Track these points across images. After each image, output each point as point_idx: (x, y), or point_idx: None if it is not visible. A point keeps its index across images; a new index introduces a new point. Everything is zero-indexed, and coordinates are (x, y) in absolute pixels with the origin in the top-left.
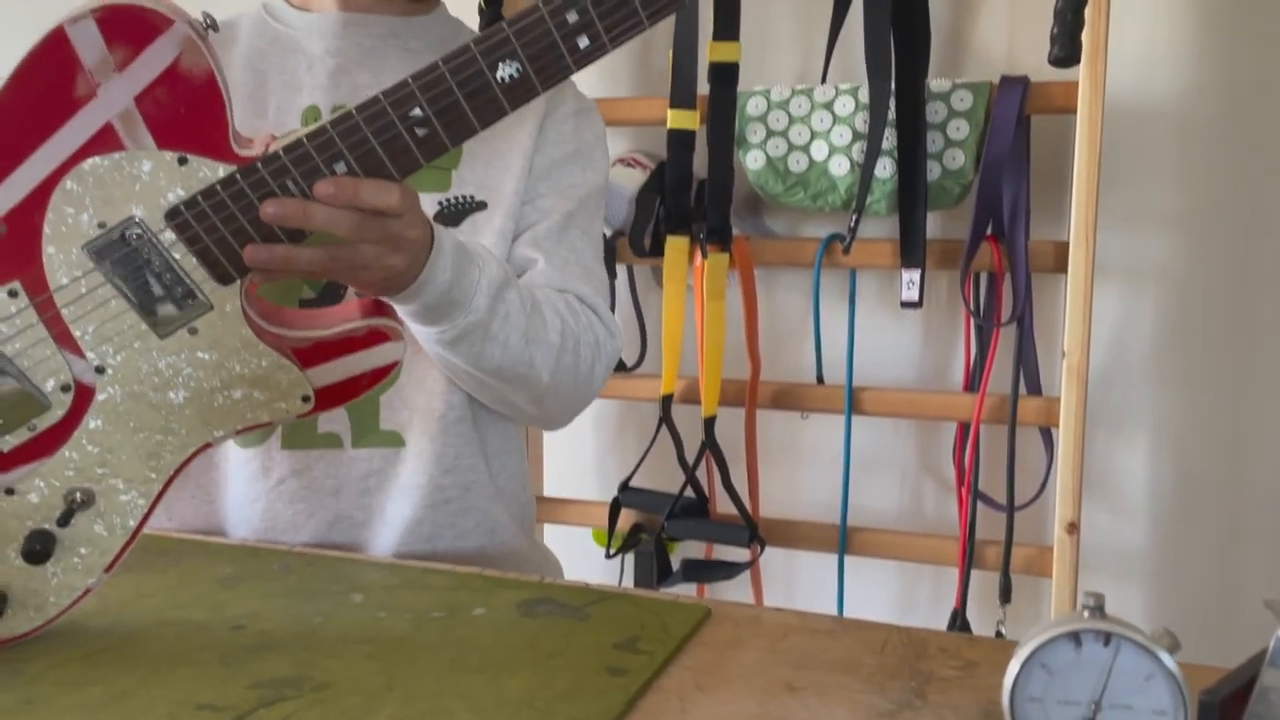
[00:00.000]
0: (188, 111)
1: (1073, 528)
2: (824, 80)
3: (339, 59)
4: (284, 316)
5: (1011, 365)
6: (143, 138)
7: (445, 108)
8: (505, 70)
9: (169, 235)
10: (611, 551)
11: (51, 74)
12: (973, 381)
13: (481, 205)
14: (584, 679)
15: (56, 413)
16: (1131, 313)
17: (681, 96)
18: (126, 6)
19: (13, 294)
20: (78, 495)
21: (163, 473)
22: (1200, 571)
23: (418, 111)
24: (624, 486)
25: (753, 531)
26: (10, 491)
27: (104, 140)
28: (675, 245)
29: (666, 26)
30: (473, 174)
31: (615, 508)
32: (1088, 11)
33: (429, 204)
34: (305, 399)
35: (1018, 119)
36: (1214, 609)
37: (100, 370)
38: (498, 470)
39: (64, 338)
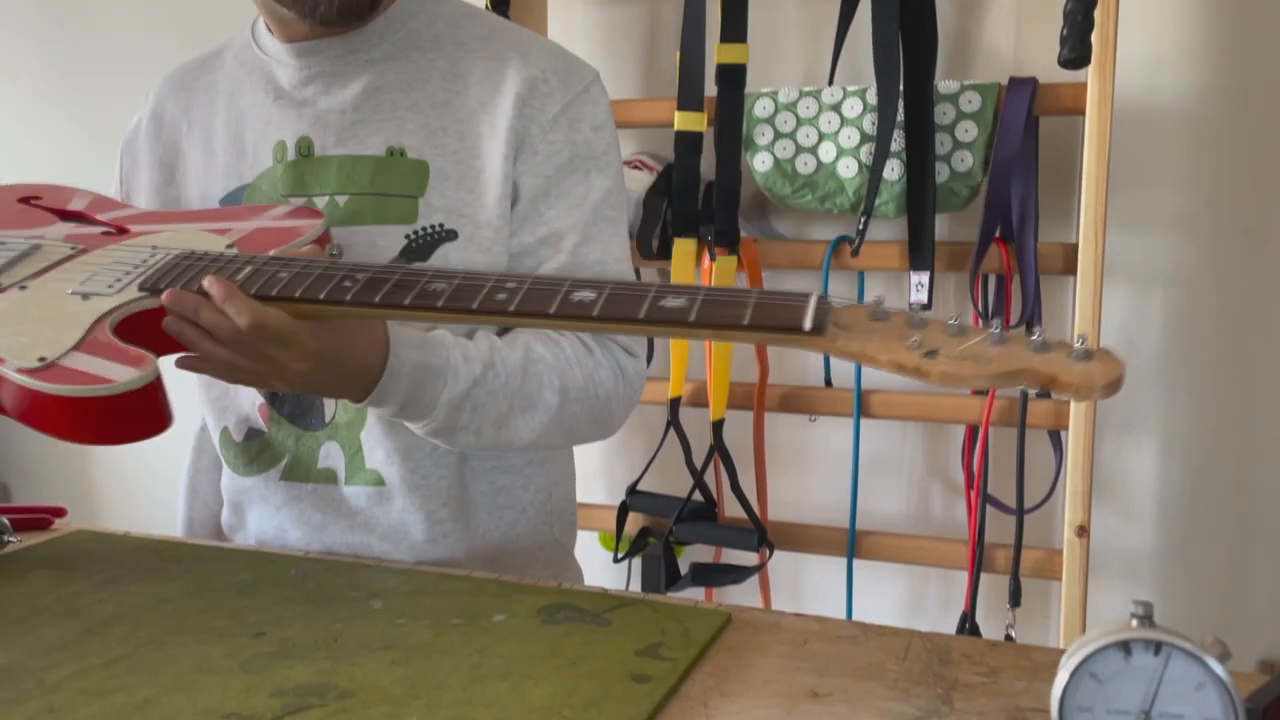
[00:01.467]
0: (272, 240)
1: (1082, 530)
2: (831, 82)
3: (304, 91)
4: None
5: None
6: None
7: (376, 278)
8: (436, 285)
9: (170, 258)
10: (619, 555)
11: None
12: None
13: (451, 235)
14: (608, 686)
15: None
16: (1140, 314)
17: (689, 98)
18: (312, 210)
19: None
20: None
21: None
22: (1210, 574)
23: (358, 276)
24: (632, 490)
25: (761, 535)
26: None
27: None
28: (683, 248)
29: (674, 28)
30: (442, 199)
31: (623, 511)
32: (1096, 13)
33: (396, 238)
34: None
35: (1026, 121)
36: (1223, 612)
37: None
38: (507, 486)
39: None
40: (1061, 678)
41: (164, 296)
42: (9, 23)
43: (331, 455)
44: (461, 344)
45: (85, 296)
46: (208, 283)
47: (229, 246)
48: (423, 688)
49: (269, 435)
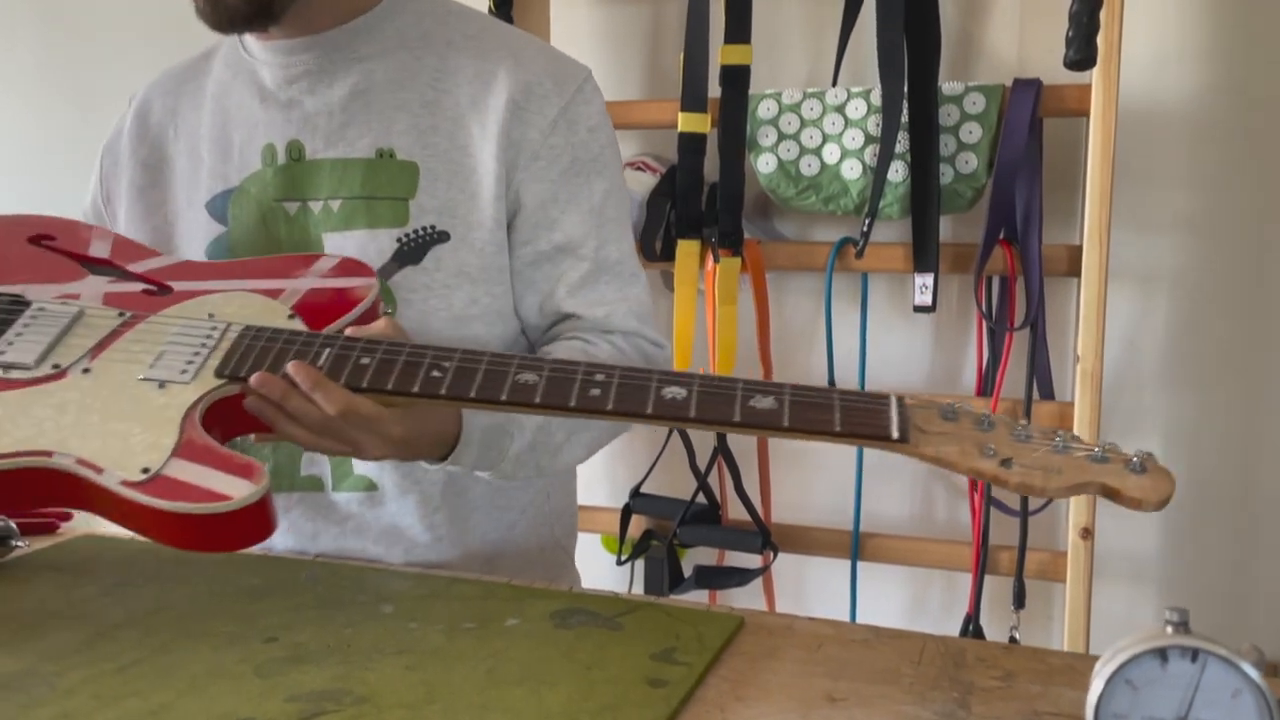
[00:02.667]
0: (332, 305)
1: (1086, 533)
2: (835, 83)
3: (289, 91)
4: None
5: (1023, 369)
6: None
7: (464, 366)
8: (525, 376)
9: (237, 334)
10: (622, 558)
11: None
12: (985, 386)
13: (444, 236)
14: (625, 691)
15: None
16: (1143, 316)
17: (692, 100)
18: (359, 266)
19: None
20: None
21: None
22: (1213, 576)
23: (445, 364)
24: (635, 492)
25: (765, 537)
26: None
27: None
28: (686, 249)
29: (677, 29)
30: (433, 200)
31: (626, 514)
32: (1101, 14)
33: (388, 242)
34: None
35: (1031, 122)
36: (1227, 614)
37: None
38: (506, 486)
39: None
40: (1096, 686)
41: (252, 380)
42: (9, 21)
43: (316, 461)
44: None
45: (161, 385)
46: (293, 369)
47: (291, 316)
48: (439, 692)
49: (242, 445)
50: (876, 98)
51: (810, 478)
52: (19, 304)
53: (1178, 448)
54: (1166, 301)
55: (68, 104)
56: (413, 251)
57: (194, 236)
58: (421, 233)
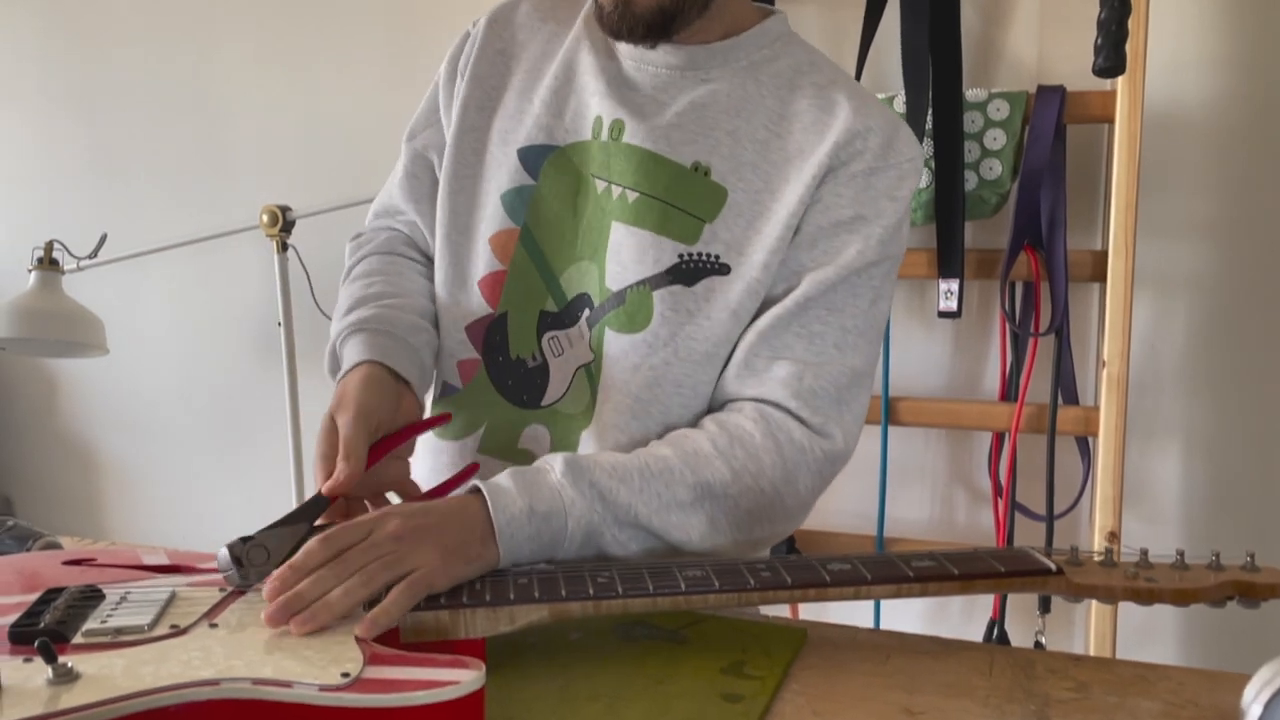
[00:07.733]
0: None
1: (1113, 536)
2: None
3: (636, 77)
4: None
5: (1047, 374)
6: None
7: (626, 573)
8: (692, 571)
9: None
10: None
11: None
12: (1009, 391)
13: (724, 269)
14: (702, 706)
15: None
16: (1164, 320)
17: None
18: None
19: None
20: None
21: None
22: None
23: (606, 572)
24: None
25: (789, 544)
26: None
27: None
28: None
29: None
30: (728, 232)
31: None
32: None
33: (670, 254)
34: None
35: (1055, 128)
36: (1248, 617)
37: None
38: None
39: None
40: (1255, 710)
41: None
42: (12, 35)
43: (536, 438)
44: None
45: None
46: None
47: None
48: (512, 709)
49: (463, 396)
50: (899, 104)
51: (833, 483)
52: (96, 593)
53: (1199, 451)
54: (1186, 306)
55: (68, 115)
56: (689, 273)
57: (497, 175)
58: (705, 258)
